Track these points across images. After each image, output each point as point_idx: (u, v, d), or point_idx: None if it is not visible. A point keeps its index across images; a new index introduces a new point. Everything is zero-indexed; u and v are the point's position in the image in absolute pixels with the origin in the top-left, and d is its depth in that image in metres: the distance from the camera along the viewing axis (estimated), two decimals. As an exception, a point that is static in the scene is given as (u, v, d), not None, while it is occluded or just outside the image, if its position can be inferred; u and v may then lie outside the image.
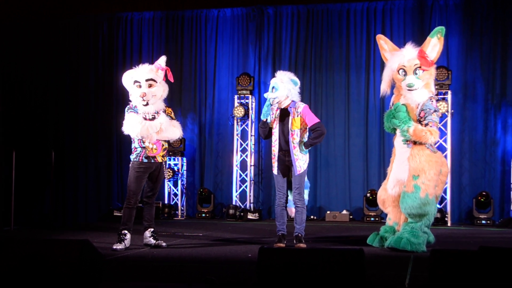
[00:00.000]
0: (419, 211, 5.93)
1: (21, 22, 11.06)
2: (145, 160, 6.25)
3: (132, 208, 6.25)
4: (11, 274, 3.81)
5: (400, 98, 6.26)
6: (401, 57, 6.17)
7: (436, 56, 6.16)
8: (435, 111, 6.08)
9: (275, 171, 6.40)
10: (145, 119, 6.19)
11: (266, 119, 6.34)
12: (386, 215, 6.65)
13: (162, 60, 6.42)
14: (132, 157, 6.29)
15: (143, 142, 6.23)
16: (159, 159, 6.33)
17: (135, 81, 6.21)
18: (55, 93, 11.18)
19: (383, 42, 6.49)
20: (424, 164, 6.00)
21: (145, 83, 6.19)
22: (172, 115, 6.45)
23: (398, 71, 6.17)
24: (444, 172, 6.20)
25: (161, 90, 6.29)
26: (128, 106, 6.31)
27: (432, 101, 6.13)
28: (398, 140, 6.25)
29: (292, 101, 6.35)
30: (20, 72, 11.24)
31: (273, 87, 6.27)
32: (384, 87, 6.35)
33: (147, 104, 6.18)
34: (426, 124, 5.98)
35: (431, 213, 6.02)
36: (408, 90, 6.10)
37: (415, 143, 6.06)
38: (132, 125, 6.13)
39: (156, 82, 6.25)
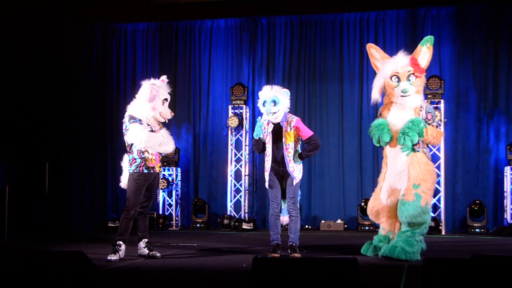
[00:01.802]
0: (418, 219, 5.95)
1: (19, 23, 11.04)
2: (145, 171, 6.26)
3: (131, 219, 6.26)
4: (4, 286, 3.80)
5: (392, 106, 6.29)
6: (394, 64, 6.23)
7: (426, 64, 6.27)
8: (435, 115, 6.28)
9: (267, 184, 6.41)
10: None
11: (259, 138, 6.35)
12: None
13: (165, 79, 6.60)
14: (132, 168, 6.26)
15: (143, 153, 6.25)
16: (157, 170, 6.39)
17: (166, 99, 6.38)
18: (51, 103, 11.20)
19: (374, 51, 6.54)
20: (425, 173, 6.04)
21: (167, 103, 6.43)
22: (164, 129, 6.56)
23: (391, 77, 6.22)
24: (435, 180, 6.30)
25: None
26: (129, 116, 6.26)
27: (431, 105, 6.27)
28: (391, 149, 6.26)
29: (284, 113, 6.35)
30: (17, 75, 11.25)
31: (273, 101, 6.24)
32: (376, 95, 6.38)
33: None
34: (437, 126, 6.15)
35: (428, 221, 6.08)
36: (402, 96, 6.14)
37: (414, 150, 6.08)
38: (139, 135, 6.17)
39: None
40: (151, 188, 6.41)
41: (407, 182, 6.06)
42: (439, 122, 9.51)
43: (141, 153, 6.25)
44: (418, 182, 6.01)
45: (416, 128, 5.95)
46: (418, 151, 6.08)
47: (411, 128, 5.96)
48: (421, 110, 6.14)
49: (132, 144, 6.24)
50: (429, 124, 6.10)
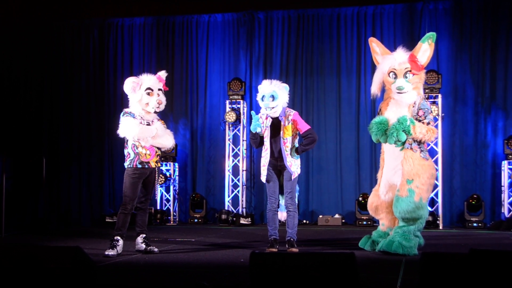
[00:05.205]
0: (413, 215, 5.95)
1: (15, 17, 11.01)
2: (139, 166, 6.28)
3: (128, 214, 6.27)
4: (1, 282, 3.79)
5: (390, 102, 6.29)
6: (392, 60, 6.22)
7: (426, 61, 6.21)
8: (431, 111, 6.20)
9: (263, 179, 6.40)
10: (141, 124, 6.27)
11: (257, 132, 6.33)
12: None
13: (163, 74, 6.59)
14: (126, 164, 6.32)
15: (137, 148, 6.26)
16: (153, 165, 6.37)
17: (148, 88, 6.31)
18: (48, 98, 11.19)
19: (375, 45, 6.53)
20: (418, 168, 6.02)
21: (157, 92, 6.36)
22: (164, 126, 6.53)
23: (388, 74, 6.22)
24: (434, 175, 6.26)
25: (165, 100, 6.48)
26: (123, 111, 6.37)
27: (426, 101, 6.22)
28: (388, 145, 6.23)
29: (282, 108, 6.34)
30: (14, 71, 11.22)
31: (272, 96, 6.23)
32: (375, 90, 6.38)
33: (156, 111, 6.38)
34: (428, 123, 6.04)
35: (424, 217, 6.06)
36: (398, 93, 6.14)
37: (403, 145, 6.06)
38: (129, 127, 6.21)
39: (163, 93, 6.46)
40: (148, 184, 6.41)
41: (401, 178, 6.07)
42: (436, 117, 9.54)
43: (135, 148, 6.28)
44: (411, 177, 6.00)
45: (401, 126, 5.89)
46: (407, 148, 6.07)
47: (396, 127, 5.90)
48: (413, 107, 6.12)
49: (127, 139, 6.28)
50: (419, 121, 6.03)
